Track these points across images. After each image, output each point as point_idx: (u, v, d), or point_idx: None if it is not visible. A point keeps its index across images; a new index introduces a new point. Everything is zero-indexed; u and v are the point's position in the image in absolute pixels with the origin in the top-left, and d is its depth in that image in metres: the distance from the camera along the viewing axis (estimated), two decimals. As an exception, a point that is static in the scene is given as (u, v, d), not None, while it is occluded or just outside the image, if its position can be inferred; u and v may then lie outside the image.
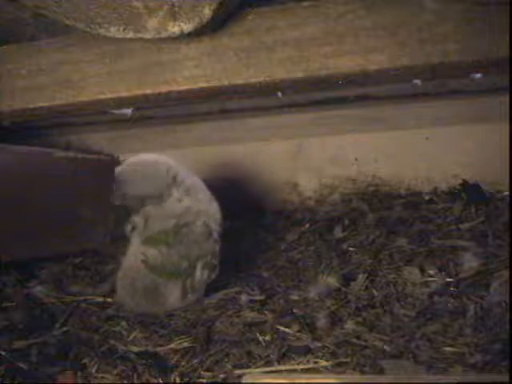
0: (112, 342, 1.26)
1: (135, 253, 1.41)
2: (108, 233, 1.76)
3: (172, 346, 1.23)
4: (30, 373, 1.16)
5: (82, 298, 1.50)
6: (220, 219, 1.44)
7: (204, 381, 1.11)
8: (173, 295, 1.37)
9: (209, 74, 1.21)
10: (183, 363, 1.16)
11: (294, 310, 1.31)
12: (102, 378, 1.14)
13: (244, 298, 1.39)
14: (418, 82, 1.29)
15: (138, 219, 1.43)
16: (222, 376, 1.11)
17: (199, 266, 1.38)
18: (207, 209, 1.43)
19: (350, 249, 1.58)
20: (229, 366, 1.13)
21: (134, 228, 1.44)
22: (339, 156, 1.92)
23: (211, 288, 1.44)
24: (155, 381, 1.11)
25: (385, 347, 1.12)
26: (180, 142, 1.94)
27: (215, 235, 1.42)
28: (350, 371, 1.06)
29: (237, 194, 1.94)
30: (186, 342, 1.23)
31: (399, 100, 1.71)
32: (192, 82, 1.23)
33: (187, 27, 1.12)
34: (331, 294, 1.35)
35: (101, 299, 1.48)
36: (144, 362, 1.16)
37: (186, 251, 1.38)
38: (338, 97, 1.68)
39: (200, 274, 1.38)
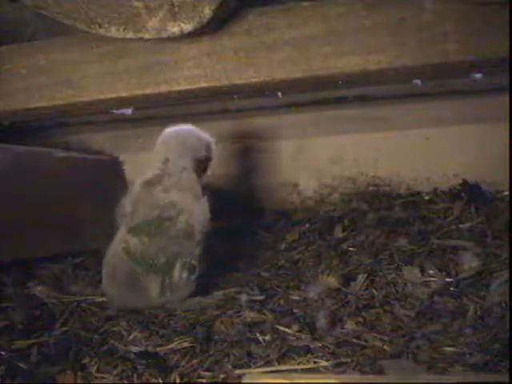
0: (112, 342, 1.26)
1: (120, 240, 1.41)
2: (108, 233, 1.76)
3: (172, 345, 1.22)
4: (30, 373, 1.16)
5: (82, 298, 1.49)
6: (204, 221, 1.41)
7: (204, 381, 1.10)
8: (153, 289, 1.37)
9: (209, 73, 1.21)
10: (183, 363, 1.16)
11: (294, 310, 1.31)
12: (102, 378, 1.14)
13: (244, 297, 1.38)
14: (418, 81, 1.29)
15: (127, 205, 1.42)
16: (222, 376, 1.10)
17: (178, 265, 1.37)
18: (190, 208, 1.40)
19: (350, 249, 1.58)
20: (229, 366, 1.12)
21: (124, 215, 1.43)
22: (339, 156, 1.92)
23: (211, 288, 1.44)
24: (155, 381, 1.11)
25: (385, 347, 1.12)
26: (180, 141, 1.94)
27: (198, 236, 1.39)
28: (350, 371, 1.06)
29: (237, 194, 1.94)
30: (185, 342, 1.23)
31: (399, 100, 1.71)
32: (192, 82, 1.23)
33: (187, 27, 1.12)
34: (331, 294, 1.34)
35: (101, 299, 1.48)
36: (144, 361, 1.16)
37: (165, 245, 1.36)
38: (338, 97, 1.68)
39: (179, 275, 1.37)
